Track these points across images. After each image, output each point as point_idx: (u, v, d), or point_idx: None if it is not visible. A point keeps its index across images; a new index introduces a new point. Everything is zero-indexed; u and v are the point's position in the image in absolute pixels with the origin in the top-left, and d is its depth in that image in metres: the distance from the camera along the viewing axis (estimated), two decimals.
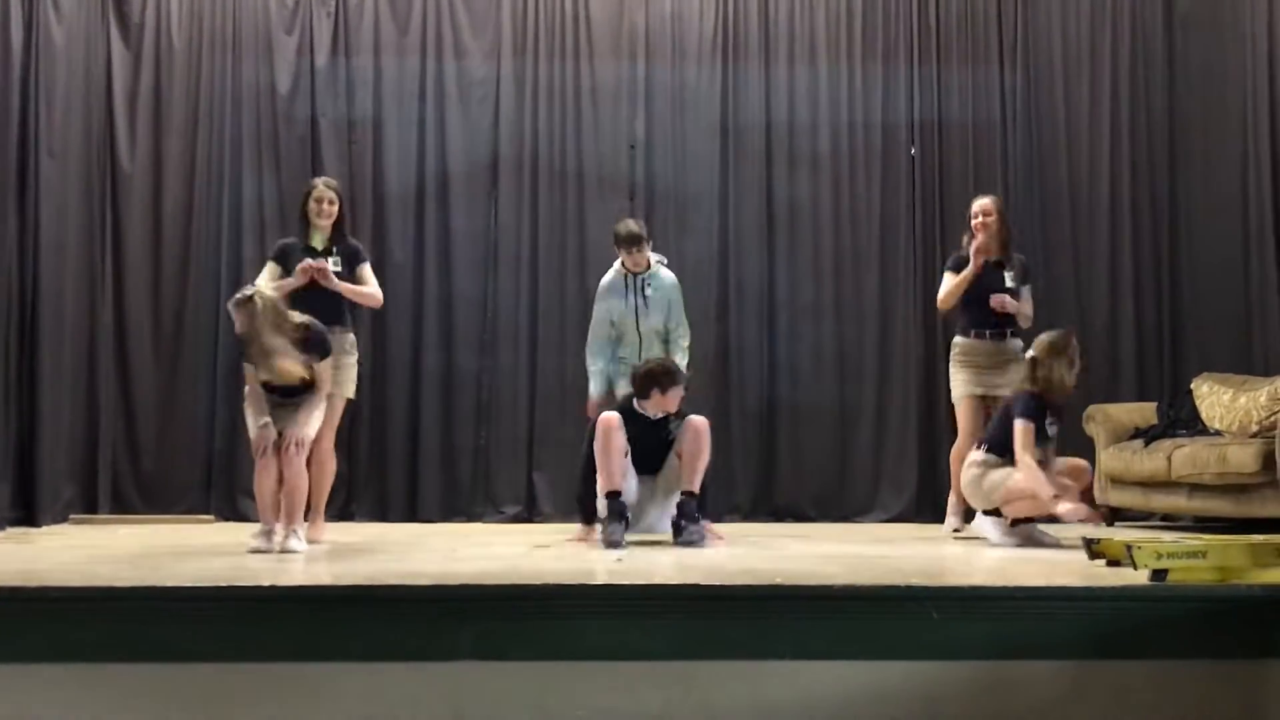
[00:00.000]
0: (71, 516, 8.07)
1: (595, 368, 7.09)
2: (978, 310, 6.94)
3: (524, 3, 8.93)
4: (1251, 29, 8.15)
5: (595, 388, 7.06)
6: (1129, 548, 3.94)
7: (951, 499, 7.18)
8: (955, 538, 6.80)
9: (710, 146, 8.90)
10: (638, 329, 7.02)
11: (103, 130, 8.59)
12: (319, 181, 6.72)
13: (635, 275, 7.04)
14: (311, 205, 6.53)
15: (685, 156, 8.89)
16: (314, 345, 5.94)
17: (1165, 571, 3.85)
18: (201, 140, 8.70)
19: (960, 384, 7.04)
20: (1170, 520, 7.93)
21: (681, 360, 6.87)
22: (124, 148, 8.63)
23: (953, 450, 7.12)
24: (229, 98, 8.73)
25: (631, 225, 7.09)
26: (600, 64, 8.92)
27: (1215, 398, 7.57)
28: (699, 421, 6.24)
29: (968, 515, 6.77)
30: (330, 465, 6.56)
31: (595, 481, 6.22)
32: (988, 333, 6.94)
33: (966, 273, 6.93)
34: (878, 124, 8.95)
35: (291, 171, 8.70)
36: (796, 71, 8.97)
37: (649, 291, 7.04)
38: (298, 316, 5.93)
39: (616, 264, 7.09)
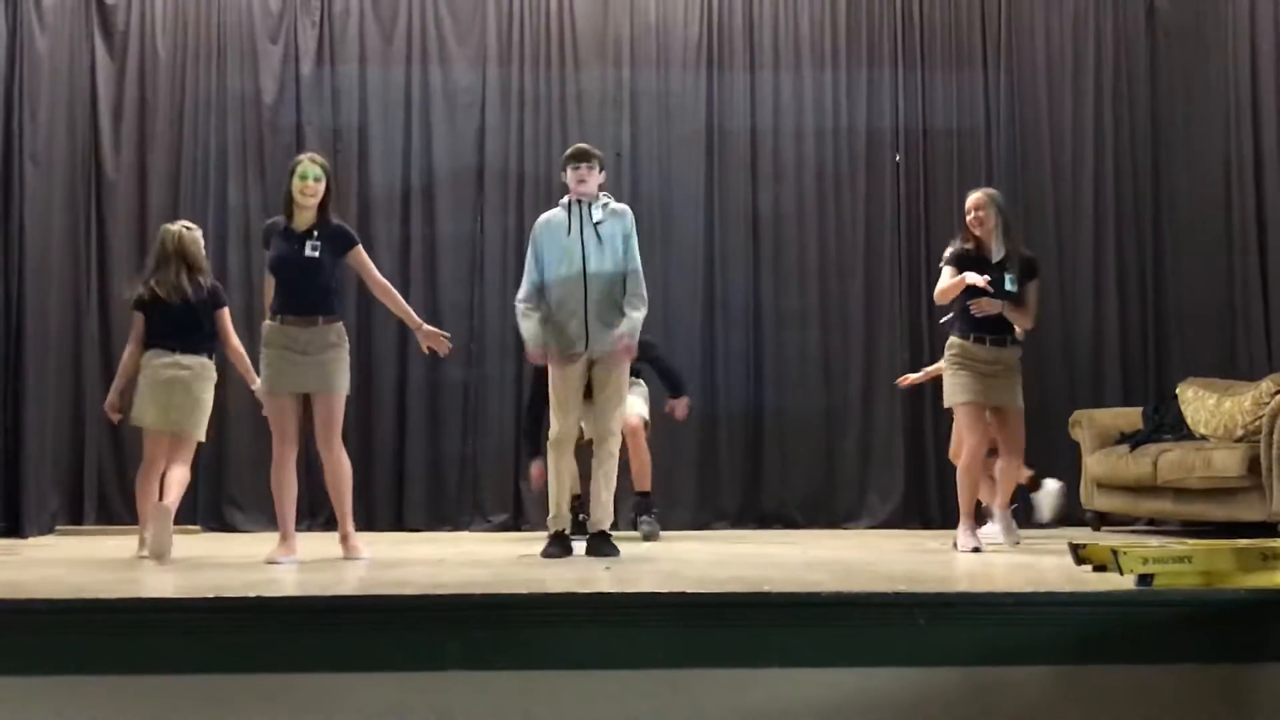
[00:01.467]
0: (58, 527, 8.05)
1: (527, 325, 6.04)
2: (973, 314, 6.30)
3: (509, 11, 8.94)
4: (1233, 34, 8.19)
5: (530, 337, 6.05)
6: (1115, 552, 3.94)
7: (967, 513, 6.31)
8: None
9: (695, 153, 8.91)
10: (584, 271, 5.92)
11: (87, 139, 8.58)
12: (304, 157, 6.05)
13: (581, 203, 6.03)
14: (295, 183, 5.85)
15: (670, 164, 8.90)
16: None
17: (1151, 576, 3.85)
18: (186, 149, 8.69)
19: (961, 389, 6.32)
20: (1156, 524, 7.95)
21: (636, 318, 5.97)
22: (108, 156, 8.62)
23: (963, 461, 6.35)
24: (214, 106, 8.72)
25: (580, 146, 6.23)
26: (585, 71, 8.93)
27: (1200, 402, 7.60)
28: (633, 420, 6.77)
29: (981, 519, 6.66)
30: (341, 470, 5.92)
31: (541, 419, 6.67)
32: (987, 339, 6.31)
33: (957, 280, 6.27)
34: (862, 130, 8.98)
35: (277, 180, 8.65)
36: (781, 78, 8.99)
37: (599, 220, 5.99)
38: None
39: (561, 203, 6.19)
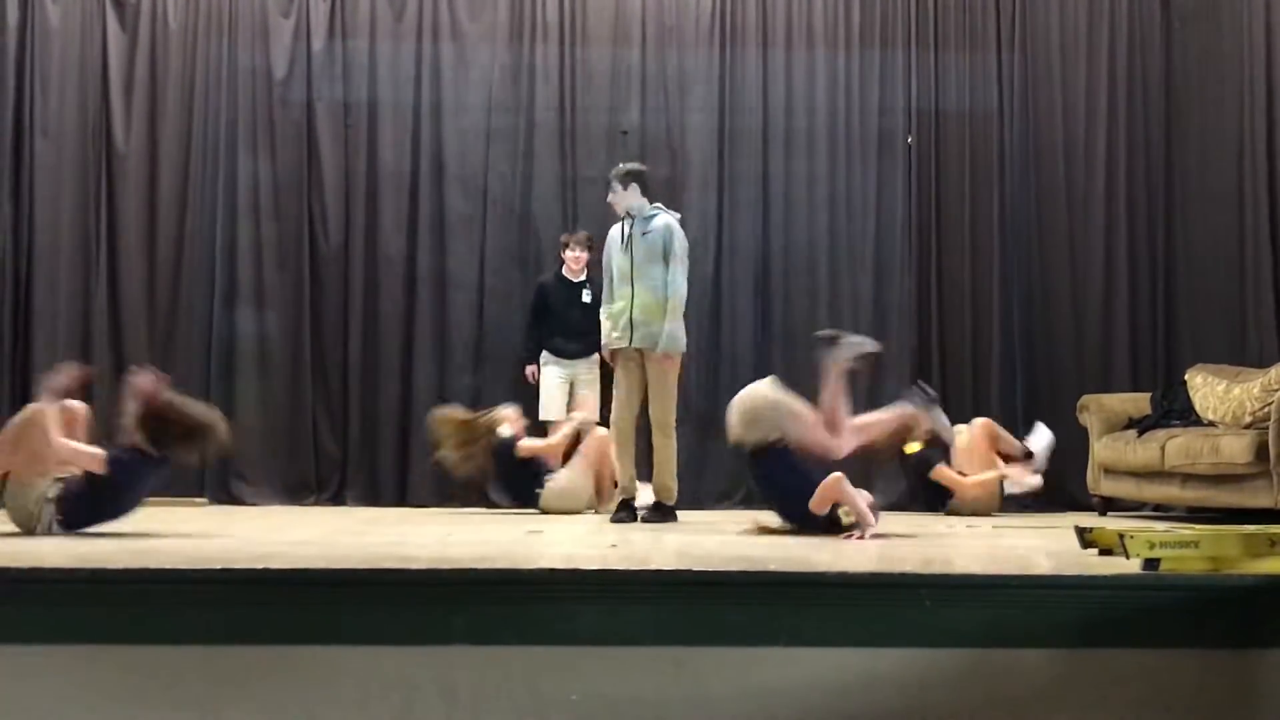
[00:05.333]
0: None
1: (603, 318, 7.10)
2: None
3: None
4: (1249, 19, 8.14)
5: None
6: (1122, 537, 3.94)
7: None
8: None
9: (706, 132, 8.88)
10: (630, 279, 6.88)
11: (98, 112, 8.57)
12: None
13: (629, 219, 6.97)
14: None
15: (681, 142, 8.88)
16: None
17: (1158, 561, 3.85)
18: (197, 123, 8.68)
19: None
20: (1163, 510, 7.94)
21: (673, 322, 6.83)
22: (119, 130, 8.61)
23: None
24: (225, 81, 8.71)
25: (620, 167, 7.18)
26: (596, 49, 8.90)
27: (1209, 388, 7.58)
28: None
29: None
30: None
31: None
32: None
33: None
34: (874, 112, 8.94)
35: (287, 155, 8.70)
36: (793, 58, 8.95)
37: (640, 234, 6.90)
38: None
39: None
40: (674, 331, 6.83)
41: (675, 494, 6.93)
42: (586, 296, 8.22)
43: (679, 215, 7.17)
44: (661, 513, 6.84)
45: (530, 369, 8.36)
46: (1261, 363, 7.58)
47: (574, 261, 8.31)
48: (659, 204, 7.12)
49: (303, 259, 8.65)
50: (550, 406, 8.28)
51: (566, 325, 8.24)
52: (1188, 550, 3.89)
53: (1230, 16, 8.40)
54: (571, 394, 8.31)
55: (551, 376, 8.31)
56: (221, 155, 8.66)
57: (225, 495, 8.39)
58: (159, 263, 8.60)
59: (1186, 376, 7.90)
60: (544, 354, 8.33)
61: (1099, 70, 8.99)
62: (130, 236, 8.56)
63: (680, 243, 6.93)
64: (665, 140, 8.86)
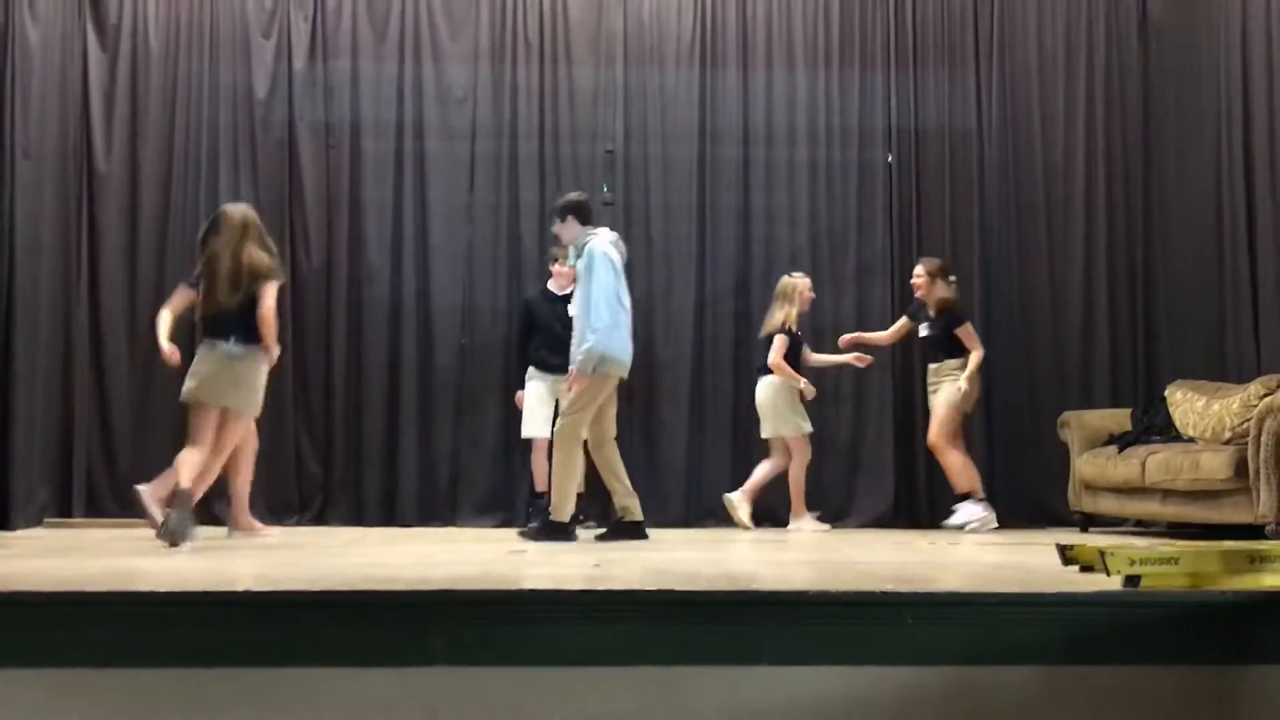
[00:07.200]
0: (46, 520, 8.03)
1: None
2: None
3: (502, 6, 8.94)
4: (1225, 36, 8.21)
5: None
6: (1102, 554, 3.95)
7: None
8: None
9: (687, 151, 8.92)
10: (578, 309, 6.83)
11: (79, 131, 8.56)
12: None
13: (575, 251, 6.94)
14: None
15: (663, 160, 8.91)
16: None
17: (1138, 578, 3.86)
18: (178, 143, 8.68)
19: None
20: (1143, 526, 7.97)
21: (584, 344, 6.69)
22: (100, 149, 8.60)
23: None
24: (206, 100, 8.71)
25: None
26: (578, 68, 8.94)
27: (1189, 404, 7.61)
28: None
29: None
30: None
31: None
32: None
33: None
34: (854, 129, 8.99)
35: (269, 175, 8.70)
36: (774, 76, 9.00)
37: (580, 266, 6.80)
38: None
39: None
40: (588, 352, 6.68)
41: (565, 513, 6.75)
42: (571, 310, 8.19)
43: (615, 236, 7.06)
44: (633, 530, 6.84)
45: (520, 394, 8.21)
46: (1241, 378, 7.61)
47: (559, 275, 8.19)
48: (592, 229, 6.98)
49: (284, 278, 8.63)
50: (532, 421, 8.18)
51: (550, 339, 8.04)
52: (1168, 567, 3.90)
53: (1207, 33, 8.46)
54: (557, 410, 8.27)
55: (534, 391, 8.17)
56: (203, 174, 8.66)
57: (207, 516, 8.35)
58: (140, 282, 8.57)
59: (1166, 392, 7.93)
60: (529, 369, 8.25)
61: (1077, 87, 9.06)
62: (111, 256, 8.55)
63: (598, 260, 6.74)
64: (646, 158, 8.88)
